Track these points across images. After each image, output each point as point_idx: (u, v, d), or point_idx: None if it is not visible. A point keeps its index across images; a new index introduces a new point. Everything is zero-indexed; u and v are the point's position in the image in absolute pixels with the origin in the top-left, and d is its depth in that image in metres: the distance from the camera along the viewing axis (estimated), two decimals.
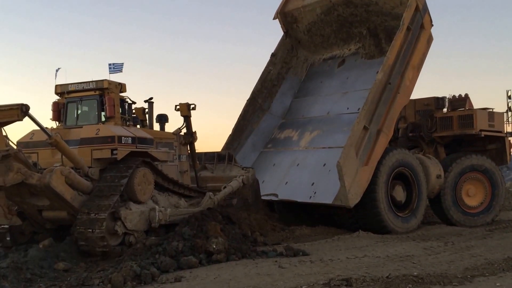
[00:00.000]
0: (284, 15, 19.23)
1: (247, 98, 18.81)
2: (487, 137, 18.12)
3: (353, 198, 13.85)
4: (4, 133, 10.40)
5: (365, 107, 14.43)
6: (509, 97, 18.60)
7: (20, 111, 10.03)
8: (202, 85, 62.33)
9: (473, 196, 17.49)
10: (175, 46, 62.51)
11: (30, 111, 10.23)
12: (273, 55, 19.22)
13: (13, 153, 10.37)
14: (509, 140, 18.80)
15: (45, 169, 11.00)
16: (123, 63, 13.20)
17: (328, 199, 14.34)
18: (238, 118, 18.57)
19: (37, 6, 55.08)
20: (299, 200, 15.54)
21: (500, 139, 18.52)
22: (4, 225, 11.81)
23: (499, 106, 18.90)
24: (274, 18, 19.39)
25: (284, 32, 19.41)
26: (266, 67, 19.07)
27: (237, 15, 63.49)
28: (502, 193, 17.85)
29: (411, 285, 8.05)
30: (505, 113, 18.61)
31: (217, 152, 16.70)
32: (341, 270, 9.26)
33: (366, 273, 8.87)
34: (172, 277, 9.17)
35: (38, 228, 12.21)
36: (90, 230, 10.65)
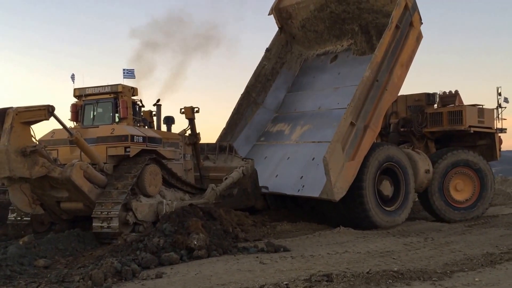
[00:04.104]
0: (279, 11, 19.54)
1: (242, 92, 19.20)
2: (477, 133, 18.35)
3: (339, 192, 14.11)
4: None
5: (352, 103, 14.67)
6: (499, 94, 18.84)
7: (47, 111, 11.31)
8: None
9: (460, 191, 17.67)
10: None
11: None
12: (267, 50, 19.55)
13: (40, 149, 11.34)
14: (499, 136, 19.06)
15: (64, 164, 12.02)
16: (133, 69, 14.37)
17: (315, 193, 14.63)
18: (232, 112, 18.95)
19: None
20: (288, 193, 15.87)
21: (490, 135, 18.77)
22: (26, 217, 12.95)
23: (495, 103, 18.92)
24: (269, 14, 19.69)
25: (279, 27, 19.72)
26: (260, 62, 19.40)
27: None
28: (489, 195, 17.94)
29: (391, 281, 8.14)
30: (495, 110, 18.87)
31: (218, 143, 17.64)
32: (322, 265, 9.34)
33: (346, 268, 8.96)
34: (153, 273, 9.12)
35: (56, 219, 13.28)
36: (106, 213, 11.82)
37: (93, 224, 11.92)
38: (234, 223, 13.34)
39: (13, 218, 13.06)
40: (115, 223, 11.77)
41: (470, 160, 17.72)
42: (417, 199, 18.12)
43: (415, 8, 16.21)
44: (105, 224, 11.81)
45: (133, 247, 10.53)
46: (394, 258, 10.12)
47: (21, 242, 11.12)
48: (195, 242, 10.57)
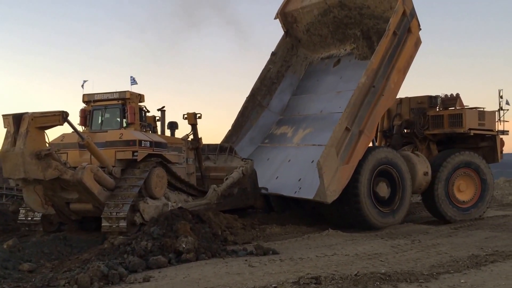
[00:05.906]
0: (284, 15, 20.04)
1: (247, 95, 19.79)
2: (479, 135, 18.60)
3: (331, 195, 14.51)
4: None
5: (347, 109, 15.03)
6: (501, 97, 18.98)
7: (61, 117, 11.89)
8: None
9: (462, 192, 17.97)
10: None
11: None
12: (273, 53, 20.07)
13: (53, 152, 11.92)
14: (501, 139, 19.24)
15: (74, 167, 12.59)
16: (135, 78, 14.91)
17: (310, 195, 15.04)
18: (238, 115, 19.54)
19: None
20: (285, 194, 16.35)
21: (491, 137, 18.99)
22: (36, 217, 13.58)
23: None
24: (275, 18, 20.23)
25: (284, 31, 20.24)
26: (266, 65, 19.95)
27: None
28: (484, 206, 18.26)
29: (378, 283, 8.28)
30: (497, 112, 19.00)
31: (219, 144, 18.21)
32: (311, 268, 9.46)
33: (335, 271, 9.10)
34: (141, 277, 9.05)
35: (65, 219, 13.88)
36: (115, 213, 12.41)
37: (102, 224, 12.47)
38: (223, 226, 13.49)
39: (24, 217, 13.74)
40: (123, 224, 12.31)
41: (480, 168, 18.13)
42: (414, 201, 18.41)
43: (413, 14, 16.41)
44: (114, 224, 12.35)
45: (120, 251, 10.47)
46: (381, 261, 10.35)
47: (5, 246, 11.14)
48: (184, 245, 10.55)
